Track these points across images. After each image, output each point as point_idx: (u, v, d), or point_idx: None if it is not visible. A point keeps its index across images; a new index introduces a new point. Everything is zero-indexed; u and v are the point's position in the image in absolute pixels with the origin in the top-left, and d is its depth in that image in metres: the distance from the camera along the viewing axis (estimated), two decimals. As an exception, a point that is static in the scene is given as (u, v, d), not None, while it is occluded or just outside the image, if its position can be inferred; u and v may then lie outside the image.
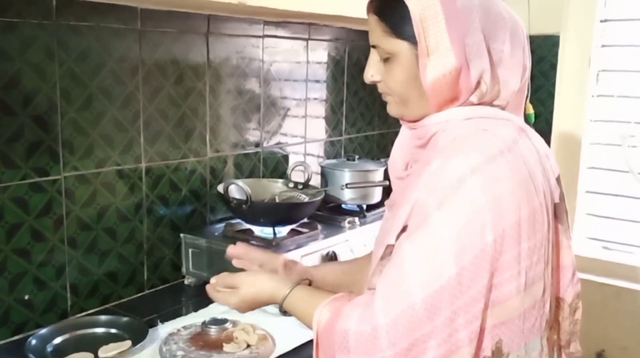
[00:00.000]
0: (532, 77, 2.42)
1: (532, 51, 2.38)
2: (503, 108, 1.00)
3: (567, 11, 2.39)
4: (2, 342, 1.34)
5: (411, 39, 0.94)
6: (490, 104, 0.99)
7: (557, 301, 1.03)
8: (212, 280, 1.10)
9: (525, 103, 2.40)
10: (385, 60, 0.99)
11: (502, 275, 0.88)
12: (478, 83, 0.96)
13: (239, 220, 1.72)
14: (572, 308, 1.05)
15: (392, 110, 1.03)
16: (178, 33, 1.64)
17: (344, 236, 1.72)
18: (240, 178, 1.84)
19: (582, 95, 2.45)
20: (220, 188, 1.67)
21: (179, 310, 1.53)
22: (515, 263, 0.88)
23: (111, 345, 1.29)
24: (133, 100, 1.55)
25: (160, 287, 1.68)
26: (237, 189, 1.62)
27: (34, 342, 1.28)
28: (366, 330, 0.87)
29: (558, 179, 0.99)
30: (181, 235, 1.69)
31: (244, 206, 1.59)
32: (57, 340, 1.32)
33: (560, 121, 2.48)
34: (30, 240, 1.38)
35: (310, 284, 1.09)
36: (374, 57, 1.01)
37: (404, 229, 0.91)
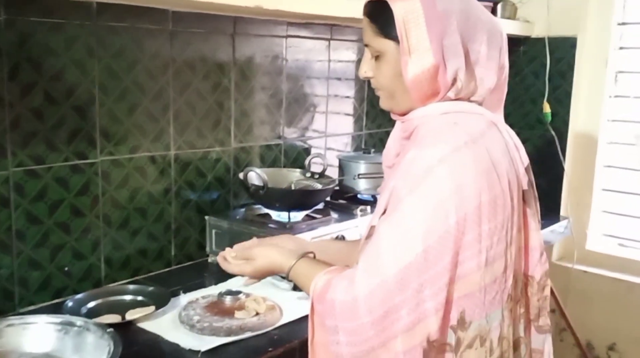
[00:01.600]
0: (550, 78, 2.51)
1: (551, 52, 2.48)
2: (480, 104, 1.11)
3: (585, 14, 2.46)
4: (43, 304, 1.52)
5: (396, 39, 1.06)
6: (468, 99, 1.10)
7: (526, 278, 1.15)
8: (230, 254, 1.25)
9: (542, 102, 2.49)
10: (376, 58, 1.11)
11: (464, 253, 0.99)
12: (455, 80, 1.06)
13: (259, 205, 1.88)
14: (541, 286, 1.16)
15: (383, 104, 1.16)
16: (206, 33, 1.80)
17: (354, 222, 1.85)
18: (262, 167, 1.99)
19: (599, 95, 2.51)
20: (241, 174, 1.82)
21: (201, 283, 1.68)
22: (476, 242, 0.99)
23: (137, 309, 1.46)
24: (164, 93, 1.72)
25: (186, 264, 1.85)
26: (256, 176, 1.77)
27: (70, 303, 1.46)
28: (348, 300, 0.99)
29: (527, 169, 1.11)
30: (206, 217, 1.85)
31: (261, 191, 1.74)
32: (91, 304, 1.50)
33: (577, 121, 2.55)
34: (70, 215, 1.56)
35: (314, 257, 1.20)
36: (367, 55, 1.13)
37: (384, 213, 1.03)
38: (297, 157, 2.16)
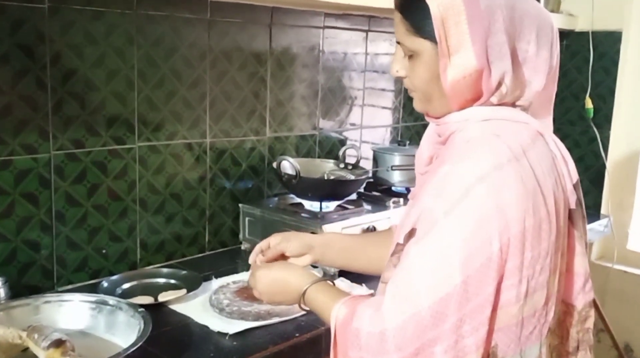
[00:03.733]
0: (593, 73, 2.45)
1: (594, 47, 2.43)
2: (525, 108, 1.00)
3: (630, 7, 2.40)
4: (80, 284, 1.57)
5: (433, 38, 0.94)
6: (512, 104, 0.98)
7: (566, 307, 1.03)
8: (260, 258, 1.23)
9: (584, 98, 2.44)
10: (410, 57, 0.99)
11: (505, 283, 0.89)
12: (499, 84, 0.95)
13: (291, 195, 1.89)
14: (583, 317, 1.04)
15: (417, 106, 1.04)
16: (243, 23, 1.82)
17: (386, 213, 1.85)
18: (296, 157, 2.00)
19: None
20: (275, 164, 1.85)
21: (233, 269, 1.70)
22: (517, 271, 0.89)
23: (169, 291, 1.50)
24: (201, 82, 1.75)
25: (219, 250, 1.88)
26: (289, 165, 1.79)
27: (106, 284, 1.51)
28: (375, 332, 0.89)
29: (576, 185, 1.00)
30: (240, 204, 1.88)
31: (293, 180, 1.75)
32: (126, 285, 1.54)
33: (620, 117, 2.49)
34: (108, 198, 1.60)
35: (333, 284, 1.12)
36: (399, 53, 1.01)
37: (412, 231, 0.93)
38: (332, 148, 2.17)
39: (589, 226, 2.30)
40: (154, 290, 1.51)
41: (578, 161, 2.52)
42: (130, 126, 1.61)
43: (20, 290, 1.43)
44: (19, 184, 1.44)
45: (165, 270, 1.64)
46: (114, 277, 1.56)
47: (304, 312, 1.40)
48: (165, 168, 1.71)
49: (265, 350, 1.28)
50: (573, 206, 0.99)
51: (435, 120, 1.03)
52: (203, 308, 1.43)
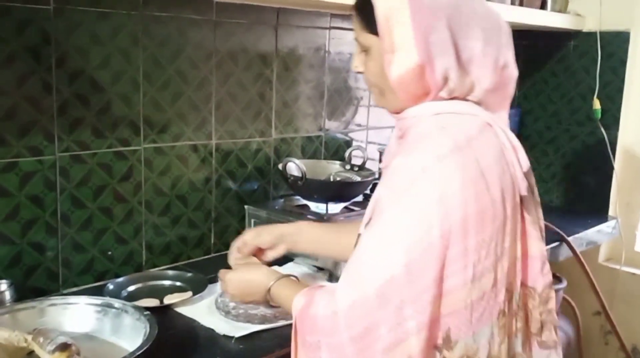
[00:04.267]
0: (601, 74, 2.43)
1: (602, 47, 2.42)
2: (479, 103, 1.04)
3: (638, 8, 2.38)
4: (85, 286, 1.57)
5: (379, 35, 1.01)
6: (464, 99, 1.03)
7: (525, 290, 1.08)
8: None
9: (592, 98, 2.42)
10: (365, 53, 1.06)
11: (449, 268, 0.93)
12: (446, 79, 1.00)
13: (297, 196, 1.89)
14: (544, 298, 1.08)
15: (375, 101, 1.12)
16: (249, 24, 1.81)
17: (393, 215, 1.84)
18: (302, 159, 2.00)
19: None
20: (280, 165, 1.84)
21: (239, 272, 1.70)
22: (461, 257, 0.94)
23: (175, 294, 1.49)
24: (206, 83, 1.74)
25: (225, 252, 1.83)
26: (295, 167, 1.78)
27: (111, 286, 1.50)
28: (329, 314, 0.96)
29: (527, 173, 1.04)
30: (245, 206, 1.87)
31: (299, 182, 1.74)
32: (131, 288, 1.53)
33: (628, 118, 2.46)
34: (113, 200, 1.60)
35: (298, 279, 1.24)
36: (357, 49, 1.09)
37: (370, 221, 1.00)
38: (338, 149, 2.15)
39: (596, 228, 2.31)
40: (160, 293, 1.50)
41: (586, 162, 2.51)
42: (135, 127, 1.61)
43: (25, 293, 1.43)
44: (24, 186, 1.44)
45: (171, 272, 1.63)
46: (120, 279, 1.55)
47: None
48: (171, 170, 1.71)
49: (272, 353, 1.27)
50: (524, 192, 1.03)
51: (396, 116, 1.09)
52: (209, 311, 1.42)
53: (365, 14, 1.03)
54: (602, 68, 2.43)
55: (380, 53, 1.02)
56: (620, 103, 2.44)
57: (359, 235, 1.03)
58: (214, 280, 1.58)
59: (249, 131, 1.87)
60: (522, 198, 1.04)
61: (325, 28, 2.03)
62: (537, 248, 1.07)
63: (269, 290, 1.19)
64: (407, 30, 0.97)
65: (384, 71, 1.02)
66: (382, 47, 1.00)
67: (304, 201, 1.86)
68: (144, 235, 1.68)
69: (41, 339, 1.15)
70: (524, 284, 1.07)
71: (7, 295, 1.36)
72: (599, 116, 2.45)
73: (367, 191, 1.96)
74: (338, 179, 1.89)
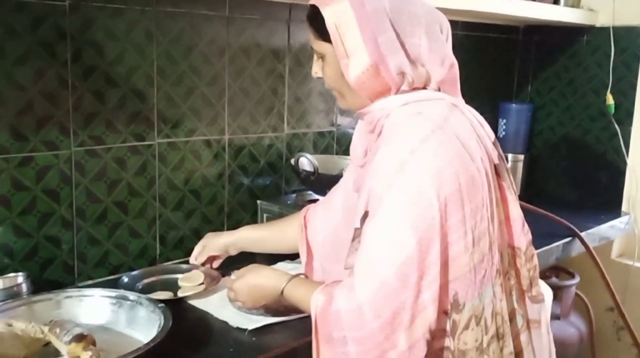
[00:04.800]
0: (614, 68, 2.42)
1: (615, 42, 2.41)
2: (436, 90, 1.12)
3: (653, 2, 2.37)
4: (101, 279, 1.59)
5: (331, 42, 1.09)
6: (424, 88, 1.11)
7: (512, 250, 1.15)
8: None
9: (605, 94, 2.41)
10: (322, 59, 1.15)
11: (451, 237, 1.00)
12: (402, 74, 1.07)
13: (309, 191, 1.89)
14: (528, 256, 1.17)
15: (339, 103, 1.20)
16: (262, 19, 1.82)
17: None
18: (314, 154, 2.00)
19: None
20: (293, 160, 1.85)
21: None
22: (461, 224, 1.00)
23: (189, 286, 1.50)
24: (219, 79, 1.75)
25: (238, 246, 1.88)
26: (307, 162, 1.79)
27: (126, 279, 1.52)
28: (353, 308, 0.99)
29: (494, 143, 1.13)
30: (258, 201, 1.88)
31: (312, 177, 1.75)
32: (146, 280, 1.55)
33: (642, 113, 2.45)
34: (127, 195, 1.61)
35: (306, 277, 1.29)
36: (315, 56, 1.17)
37: (365, 214, 1.04)
38: (350, 144, 2.15)
39: (609, 224, 2.30)
40: (174, 286, 1.52)
41: (599, 157, 2.50)
42: (149, 122, 1.62)
43: (41, 285, 1.45)
44: (41, 180, 1.46)
45: (184, 265, 1.64)
46: (134, 272, 1.57)
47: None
48: (185, 165, 1.72)
49: (285, 345, 1.28)
50: (496, 161, 1.11)
51: (361, 111, 1.15)
52: (222, 303, 1.43)
53: (317, 24, 1.10)
54: (615, 63, 2.42)
55: (335, 59, 1.09)
56: (634, 98, 2.42)
57: (355, 229, 1.07)
58: (227, 273, 1.60)
59: (261, 126, 1.88)
60: (496, 167, 1.12)
61: (337, 23, 2.04)
62: (516, 210, 1.15)
63: (281, 292, 1.22)
64: (356, 35, 1.05)
65: (341, 75, 1.10)
66: (337, 53, 1.08)
67: (316, 196, 1.86)
68: (158, 229, 1.69)
69: (57, 330, 1.17)
70: (510, 245, 1.14)
71: (24, 288, 1.38)
72: (612, 111, 2.44)
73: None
74: (350, 174, 1.89)
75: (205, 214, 1.79)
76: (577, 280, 2.24)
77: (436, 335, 1.01)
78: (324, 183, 1.78)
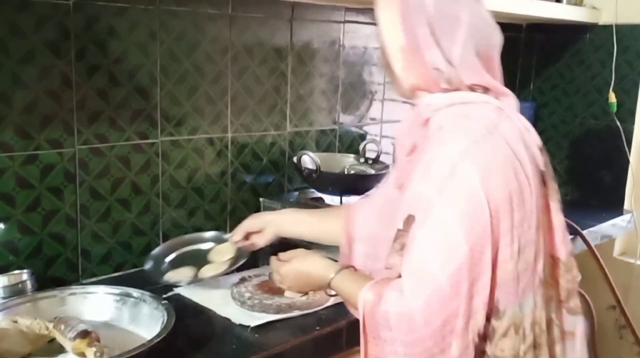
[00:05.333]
0: (617, 67, 2.42)
1: (618, 40, 2.41)
2: (485, 92, 1.11)
3: (656, 0, 2.37)
4: (104, 276, 1.60)
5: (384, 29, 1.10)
6: (470, 89, 1.10)
7: (552, 259, 1.14)
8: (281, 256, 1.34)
9: (608, 92, 2.41)
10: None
11: (500, 243, 0.99)
12: (438, 70, 1.07)
13: (312, 189, 1.90)
14: (567, 266, 1.16)
15: (394, 90, 1.20)
16: (265, 18, 1.83)
17: (407, 208, 1.85)
18: (317, 152, 2.01)
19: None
20: (295, 158, 1.85)
21: (255, 262, 1.70)
22: (508, 231, 1.00)
23: (211, 266, 1.50)
24: (222, 77, 1.76)
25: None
26: (310, 160, 1.80)
27: (157, 250, 1.54)
28: (403, 313, 0.98)
29: (541, 149, 1.11)
30: (260, 199, 1.89)
31: (314, 175, 1.76)
32: (176, 253, 1.56)
33: (644, 111, 2.45)
34: (131, 192, 1.62)
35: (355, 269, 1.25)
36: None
37: (410, 218, 1.03)
38: (352, 143, 2.17)
39: (611, 222, 2.30)
40: (203, 259, 1.52)
41: (601, 156, 2.50)
42: (153, 121, 1.63)
43: (46, 283, 1.46)
44: (45, 178, 1.47)
45: (208, 233, 1.64)
46: (166, 243, 1.58)
47: (324, 306, 1.43)
48: (188, 163, 1.73)
49: (287, 343, 1.29)
50: (542, 167, 1.10)
51: (410, 102, 1.16)
52: (224, 301, 1.45)
53: (376, 11, 1.11)
54: (617, 61, 2.42)
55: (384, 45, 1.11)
56: (637, 96, 2.43)
57: (398, 230, 1.06)
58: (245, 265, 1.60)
59: (264, 125, 1.89)
60: (542, 173, 1.10)
61: (340, 22, 2.05)
62: (558, 219, 1.14)
63: (329, 283, 1.20)
64: (397, 24, 1.07)
65: (387, 62, 1.11)
66: (382, 39, 1.10)
67: (319, 194, 1.87)
68: (161, 227, 1.70)
69: (62, 327, 1.18)
70: (550, 254, 1.13)
71: (29, 285, 1.39)
72: (615, 109, 2.44)
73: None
74: (352, 172, 1.90)
75: (207, 212, 1.80)
76: (578, 278, 2.24)
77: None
78: (326, 181, 1.80)
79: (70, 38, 1.45)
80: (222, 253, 1.53)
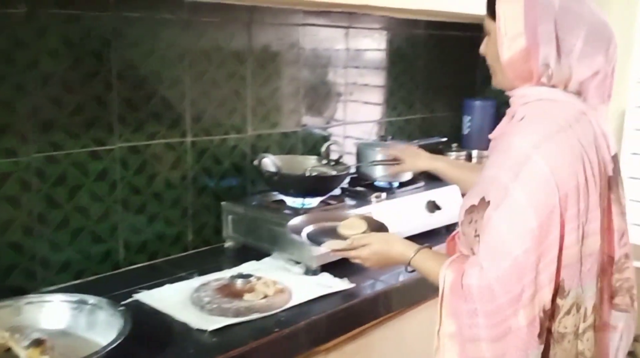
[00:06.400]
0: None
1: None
2: (578, 94, 1.18)
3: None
4: (64, 284, 1.58)
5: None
6: (564, 88, 1.17)
7: (608, 259, 1.23)
8: (340, 245, 1.42)
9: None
10: (488, 37, 1.24)
11: (567, 227, 1.10)
12: (546, 66, 1.15)
13: (275, 192, 1.91)
14: (619, 267, 1.24)
15: (492, 81, 1.28)
16: (222, 22, 1.84)
17: (368, 208, 1.86)
18: (280, 154, 2.02)
19: (625, 81, 2.46)
20: (256, 161, 1.86)
21: (217, 267, 1.71)
22: (575, 218, 1.10)
23: (337, 241, 1.45)
24: (180, 82, 1.76)
25: (203, 248, 1.89)
26: (270, 162, 1.81)
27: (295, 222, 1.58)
28: (484, 285, 1.09)
29: (614, 157, 1.20)
30: (222, 203, 1.89)
31: (274, 177, 1.77)
32: (310, 228, 1.58)
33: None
34: (89, 200, 1.62)
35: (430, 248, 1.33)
36: (485, 34, 1.26)
37: (483, 200, 1.14)
38: (316, 144, 2.18)
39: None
40: (334, 234, 1.50)
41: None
42: (110, 127, 1.63)
43: (4, 292, 1.43)
44: (1, 187, 1.45)
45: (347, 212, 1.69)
46: (298, 220, 1.60)
47: (283, 308, 1.44)
48: (146, 168, 1.73)
49: (245, 345, 1.29)
50: (611, 173, 1.19)
51: (508, 93, 1.25)
52: (183, 306, 1.45)
53: (491, 2, 1.20)
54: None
55: (497, 37, 1.17)
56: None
57: (471, 205, 1.18)
58: (191, 275, 1.61)
59: (224, 128, 1.90)
60: (609, 179, 1.19)
61: (299, 25, 2.06)
62: (618, 222, 1.22)
63: (409, 262, 1.29)
64: (520, 19, 1.14)
65: (498, 54, 1.18)
66: (499, 32, 1.16)
67: (281, 196, 1.88)
68: (121, 234, 1.70)
69: (17, 336, 1.18)
70: (607, 253, 1.22)
71: (-16, 295, 1.38)
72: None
73: (345, 185, 1.99)
74: (313, 174, 1.91)
75: (168, 218, 1.80)
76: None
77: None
78: (287, 183, 1.80)
79: (23, 47, 1.44)
80: (352, 227, 1.51)
